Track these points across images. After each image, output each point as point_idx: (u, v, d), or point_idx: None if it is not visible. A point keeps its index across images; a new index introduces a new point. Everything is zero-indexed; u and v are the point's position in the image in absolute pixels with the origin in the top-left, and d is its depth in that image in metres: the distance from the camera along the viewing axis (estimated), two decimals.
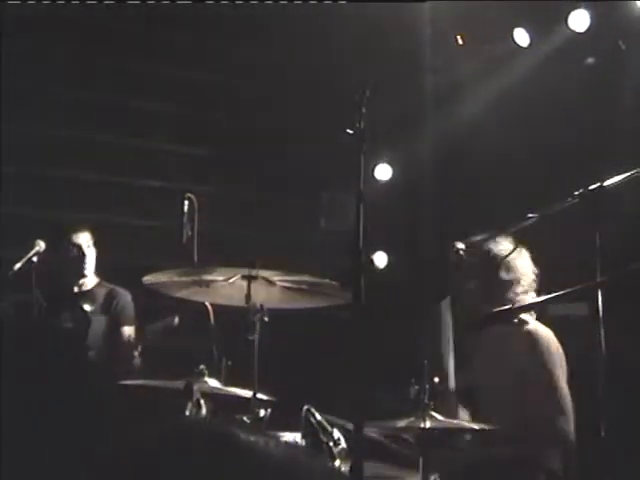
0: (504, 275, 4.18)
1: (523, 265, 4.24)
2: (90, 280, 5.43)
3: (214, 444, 1.06)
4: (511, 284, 4.19)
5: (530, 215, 3.81)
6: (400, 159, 6.92)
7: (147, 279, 3.83)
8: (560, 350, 4.15)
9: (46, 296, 5.28)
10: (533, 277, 4.24)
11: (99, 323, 5.36)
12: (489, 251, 4.22)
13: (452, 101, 6.67)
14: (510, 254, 4.00)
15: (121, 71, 6.54)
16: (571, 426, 3.99)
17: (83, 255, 5.31)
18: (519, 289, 4.20)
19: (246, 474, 1.03)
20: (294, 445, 1.14)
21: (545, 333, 4.17)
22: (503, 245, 4.20)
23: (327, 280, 3.70)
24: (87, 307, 5.37)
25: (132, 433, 1.08)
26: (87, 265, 5.35)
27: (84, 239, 5.33)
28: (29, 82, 6.14)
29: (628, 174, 3.33)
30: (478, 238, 4.24)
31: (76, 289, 5.42)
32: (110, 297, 5.37)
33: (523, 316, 4.19)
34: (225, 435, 1.08)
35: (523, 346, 4.13)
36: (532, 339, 4.14)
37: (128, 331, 5.39)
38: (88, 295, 5.40)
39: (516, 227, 3.83)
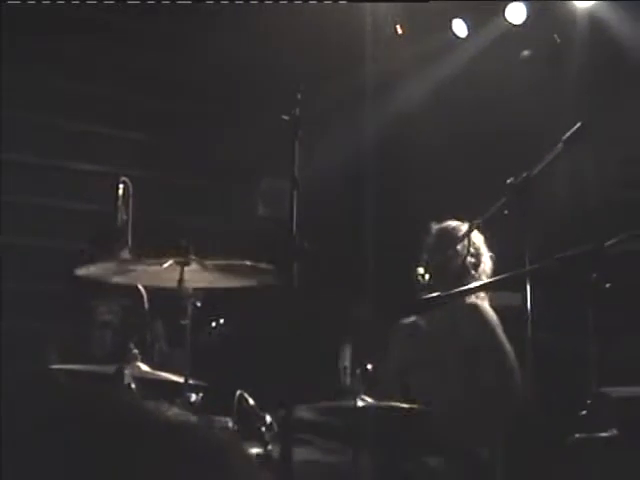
0: (463, 252, 4.23)
1: (481, 246, 4.31)
2: None
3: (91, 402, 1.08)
4: (471, 263, 4.25)
5: (474, 221, 3.89)
6: (339, 146, 6.95)
7: (81, 272, 3.78)
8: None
9: None
10: (490, 261, 4.32)
11: None
12: (447, 229, 4.31)
13: (391, 90, 6.71)
14: (469, 232, 4.05)
15: (61, 53, 6.45)
16: (520, 392, 3.99)
17: None
18: (479, 269, 4.26)
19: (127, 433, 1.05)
20: (192, 414, 1.15)
21: (487, 306, 4.24)
22: (460, 225, 4.28)
23: (262, 263, 3.71)
24: None
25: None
26: None
27: None
28: None
29: (548, 159, 3.39)
30: (447, 223, 4.35)
31: None
32: None
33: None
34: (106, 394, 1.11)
35: (471, 321, 4.19)
36: (477, 312, 4.20)
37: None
38: None
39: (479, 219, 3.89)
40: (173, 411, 1.09)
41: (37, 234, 6.23)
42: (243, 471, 1.10)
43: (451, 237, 4.28)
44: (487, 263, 4.31)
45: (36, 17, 6.12)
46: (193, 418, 1.11)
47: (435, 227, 4.40)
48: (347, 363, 3.82)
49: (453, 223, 4.37)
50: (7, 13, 5.87)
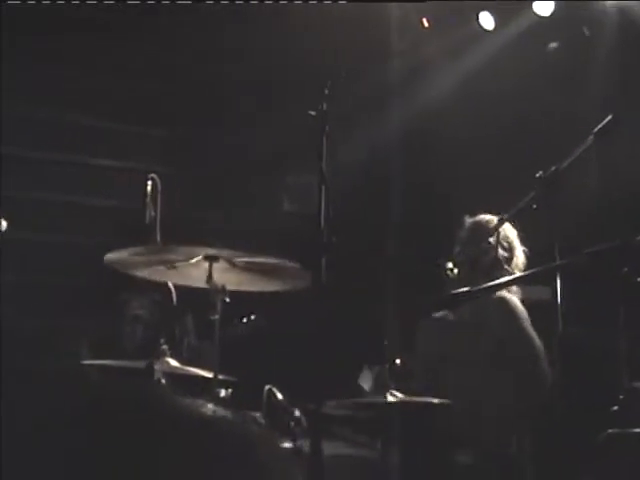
0: (496, 246, 4.24)
1: (514, 240, 4.31)
2: None
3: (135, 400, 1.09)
4: (503, 257, 4.25)
5: (503, 216, 3.88)
6: (366, 141, 6.94)
7: (108, 257, 3.81)
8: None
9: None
10: (522, 255, 4.32)
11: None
12: (480, 223, 4.31)
13: (418, 84, 6.69)
14: (499, 225, 4.03)
15: (83, 50, 6.47)
16: (548, 387, 3.97)
17: None
18: (511, 263, 4.26)
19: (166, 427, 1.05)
20: (225, 410, 1.15)
21: (514, 297, 4.23)
22: (494, 219, 4.29)
23: (288, 261, 3.72)
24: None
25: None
26: None
27: None
28: None
29: (578, 152, 3.37)
30: (481, 216, 4.36)
31: None
32: None
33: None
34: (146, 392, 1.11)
35: (496, 313, 4.18)
36: (504, 304, 4.19)
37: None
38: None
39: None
40: (208, 407, 1.10)
41: (66, 231, 6.27)
42: (275, 466, 1.10)
43: (484, 230, 4.28)
44: (520, 257, 4.31)
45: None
46: (227, 413, 1.12)
47: (469, 220, 4.41)
48: (367, 387, 3.84)
49: (487, 217, 4.37)
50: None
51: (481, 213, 4.46)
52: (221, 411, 1.13)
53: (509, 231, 4.26)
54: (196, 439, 1.05)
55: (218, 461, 1.05)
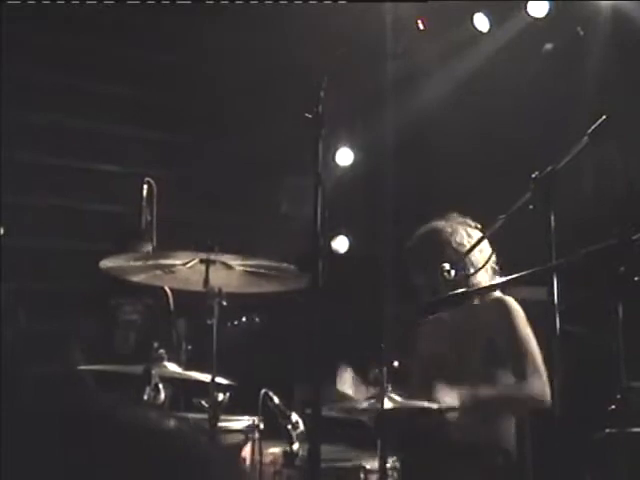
0: (463, 257, 4.20)
1: (482, 247, 4.24)
2: None
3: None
4: (471, 265, 4.20)
5: (500, 217, 3.85)
6: (361, 144, 6.94)
7: (104, 264, 3.80)
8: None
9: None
10: (491, 258, 4.27)
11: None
12: (450, 237, 4.26)
13: (413, 86, 6.70)
14: (475, 245, 3.97)
15: (80, 53, 6.47)
16: (546, 386, 3.93)
17: None
18: (479, 271, 4.22)
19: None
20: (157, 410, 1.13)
21: (510, 299, 4.21)
22: (466, 232, 4.25)
23: (285, 264, 3.71)
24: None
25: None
26: None
27: None
28: None
29: (574, 152, 3.36)
30: (442, 223, 4.32)
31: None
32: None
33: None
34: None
35: (491, 314, 4.16)
36: (500, 305, 4.17)
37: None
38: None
39: (489, 230, 3.86)
40: (147, 417, 1.08)
41: (60, 235, 6.28)
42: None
43: (436, 239, 4.26)
44: (489, 265, 4.25)
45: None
46: (167, 424, 1.09)
47: (419, 232, 4.38)
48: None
49: (439, 223, 4.33)
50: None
51: (432, 220, 4.41)
52: (162, 421, 1.10)
53: (464, 237, 4.24)
54: (145, 452, 1.03)
55: (167, 474, 1.04)
